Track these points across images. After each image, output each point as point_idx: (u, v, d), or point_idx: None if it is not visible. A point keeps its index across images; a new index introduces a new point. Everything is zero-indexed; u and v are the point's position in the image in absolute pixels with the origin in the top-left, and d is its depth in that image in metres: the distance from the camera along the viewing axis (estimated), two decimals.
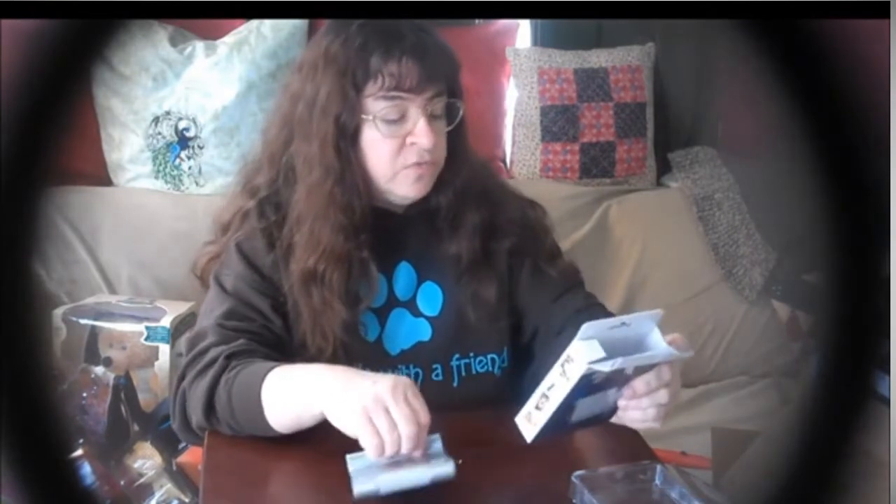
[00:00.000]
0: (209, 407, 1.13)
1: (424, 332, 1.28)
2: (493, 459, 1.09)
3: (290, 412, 1.10)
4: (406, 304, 1.29)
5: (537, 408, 1.00)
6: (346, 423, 1.02)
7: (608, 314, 1.32)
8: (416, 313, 1.29)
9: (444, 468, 1.01)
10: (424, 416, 1.00)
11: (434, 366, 1.27)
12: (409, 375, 1.24)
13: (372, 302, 1.26)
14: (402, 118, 1.21)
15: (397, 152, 1.22)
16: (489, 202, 1.32)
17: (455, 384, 1.28)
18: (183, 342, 1.90)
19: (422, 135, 1.20)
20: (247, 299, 1.23)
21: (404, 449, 0.99)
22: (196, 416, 1.15)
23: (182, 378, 1.18)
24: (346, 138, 1.21)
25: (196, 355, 1.18)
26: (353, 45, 1.20)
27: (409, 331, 1.28)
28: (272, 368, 1.12)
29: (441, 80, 1.22)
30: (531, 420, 1.01)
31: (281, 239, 1.25)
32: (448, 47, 1.25)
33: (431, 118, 1.21)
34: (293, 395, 1.09)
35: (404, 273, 1.30)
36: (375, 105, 1.20)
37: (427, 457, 1.01)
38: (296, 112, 1.25)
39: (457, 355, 1.28)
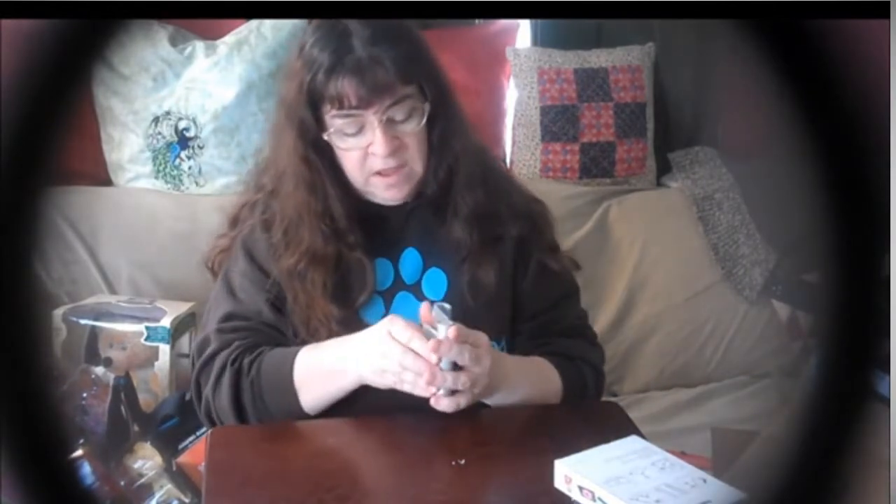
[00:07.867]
0: (238, 412, 1.22)
1: None
2: (493, 459, 1.09)
3: (325, 398, 1.21)
4: (411, 288, 1.31)
5: None
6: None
7: (588, 343, 1.38)
8: (421, 298, 1.30)
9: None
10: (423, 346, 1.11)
11: None
12: None
13: (366, 299, 1.28)
14: (360, 130, 1.21)
15: (362, 162, 1.23)
16: (487, 187, 1.32)
17: None
18: (183, 342, 1.91)
19: (377, 145, 1.21)
20: (247, 297, 1.27)
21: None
22: (228, 422, 1.24)
23: (198, 382, 1.26)
24: (310, 150, 1.24)
25: (206, 362, 1.25)
26: (307, 59, 1.20)
27: (413, 314, 1.28)
28: (293, 364, 1.20)
29: (394, 89, 1.20)
30: None
31: (272, 234, 1.28)
32: (403, 53, 1.21)
33: (392, 124, 1.21)
34: (328, 383, 1.20)
35: (411, 258, 1.32)
36: (333, 122, 1.22)
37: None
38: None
39: None
